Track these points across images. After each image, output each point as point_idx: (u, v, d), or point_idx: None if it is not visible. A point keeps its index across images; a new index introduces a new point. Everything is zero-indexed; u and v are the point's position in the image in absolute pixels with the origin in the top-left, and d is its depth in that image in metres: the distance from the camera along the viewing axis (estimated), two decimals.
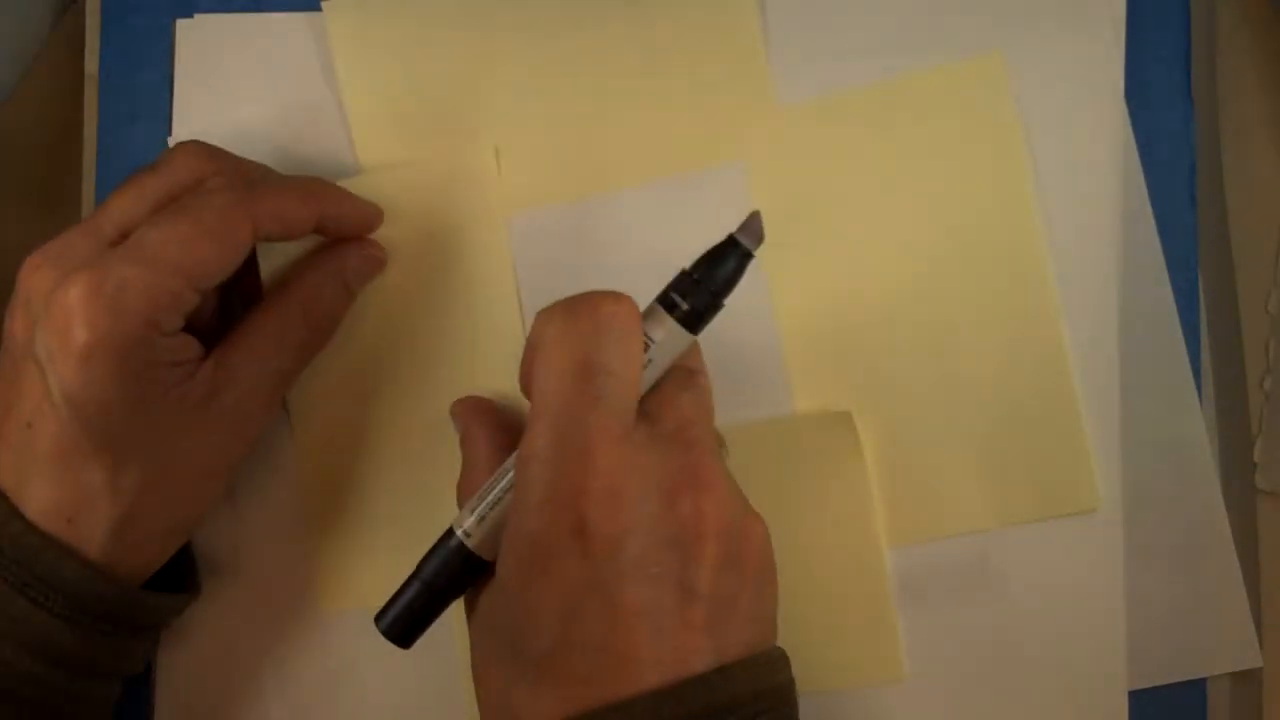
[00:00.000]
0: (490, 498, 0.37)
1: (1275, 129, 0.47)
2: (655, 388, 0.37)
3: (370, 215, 0.45)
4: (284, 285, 0.43)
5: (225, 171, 0.41)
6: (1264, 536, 0.45)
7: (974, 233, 0.45)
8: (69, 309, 0.38)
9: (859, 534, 0.44)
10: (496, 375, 0.45)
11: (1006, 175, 0.45)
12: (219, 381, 0.41)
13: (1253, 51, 0.48)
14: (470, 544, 0.37)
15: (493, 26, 0.46)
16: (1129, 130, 0.45)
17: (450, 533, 0.38)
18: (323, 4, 0.46)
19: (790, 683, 0.37)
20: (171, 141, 0.47)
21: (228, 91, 0.47)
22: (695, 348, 0.38)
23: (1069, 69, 0.45)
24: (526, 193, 0.46)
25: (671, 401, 0.37)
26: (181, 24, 0.47)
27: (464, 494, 0.40)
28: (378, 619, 0.38)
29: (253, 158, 0.46)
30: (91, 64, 0.48)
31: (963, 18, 0.45)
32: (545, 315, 0.37)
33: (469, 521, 0.37)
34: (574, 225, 0.46)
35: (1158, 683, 0.45)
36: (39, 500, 0.39)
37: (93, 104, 0.47)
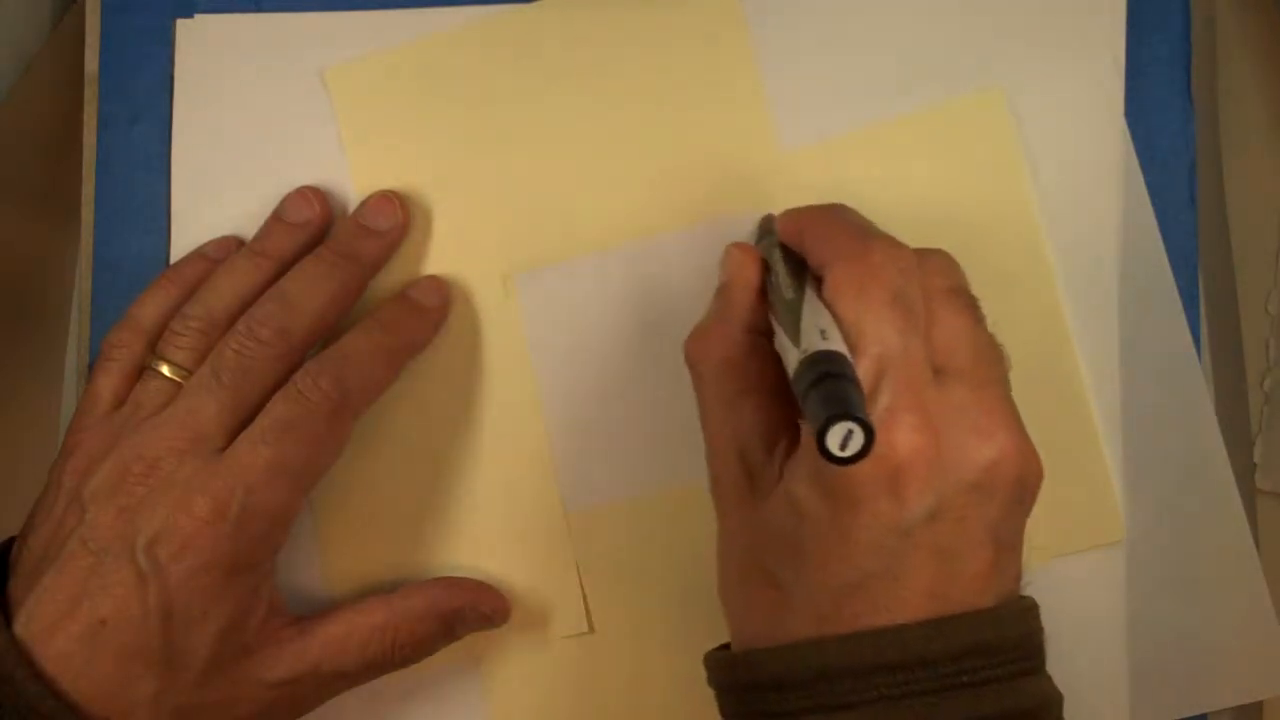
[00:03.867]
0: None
1: (1275, 129, 0.47)
2: (936, 320, 0.36)
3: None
4: (379, 606, 0.43)
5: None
6: (1264, 536, 0.45)
7: (984, 268, 0.44)
8: (191, 534, 0.39)
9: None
10: (503, 416, 0.46)
11: (1012, 208, 0.45)
12: (295, 664, 0.42)
13: (1253, 51, 0.48)
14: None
15: (494, 85, 0.46)
16: (1132, 157, 0.45)
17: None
18: (324, 73, 0.46)
19: (1044, 635, 0.37)
20: (172, 141, 0.47)
21: (228, 91, 0.47)
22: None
23: (1069, 99, 0.45)
24: (532, 250, 0.46)
25: (959, 335, 0.36)
26: (181, 24, 0.47)
27: (715, 334, 0.39)
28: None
29: (250, 159, 0.46)
30: (91, 64, 0.47)
31: (961, 52, 0.46)
32: (827, 228, 0.38)
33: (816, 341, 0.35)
34: (582, 280, 0.46)
35: (1193, 712, 0.45)
36: (85, 695, 0.39)
37: (93, 104, 0.47)
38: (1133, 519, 0.45)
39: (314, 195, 0.45)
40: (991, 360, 0.37)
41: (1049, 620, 0.44)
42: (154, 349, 0.43)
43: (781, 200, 0.45)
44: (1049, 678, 0.36)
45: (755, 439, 0.37)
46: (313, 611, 0.43)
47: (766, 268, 0.40)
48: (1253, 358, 0.46)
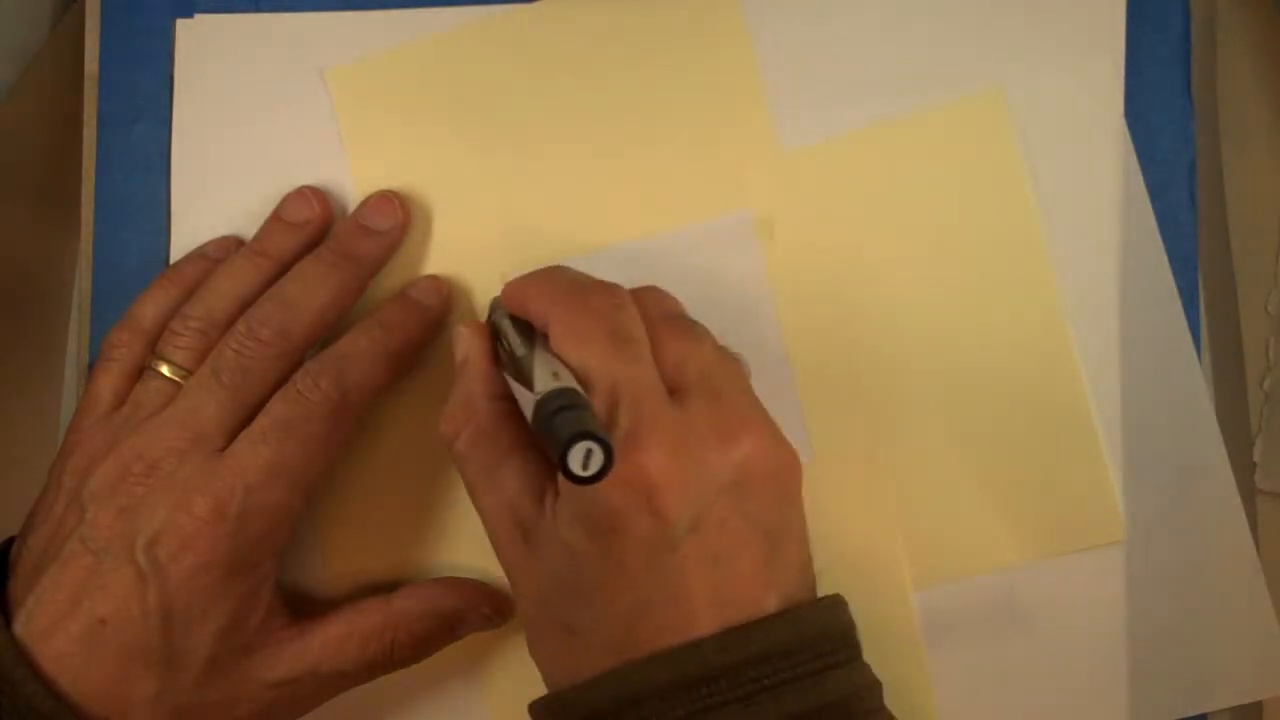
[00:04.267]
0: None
1: (1275, 129, 0.47)
2: (660, 346, 0.38)
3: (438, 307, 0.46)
4: (379, 606, 0.43)
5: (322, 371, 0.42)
6: (1264, 536, 0.45)
7: (984, 269, 0.45)
8: (191, 534, 0.39)
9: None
10: None
11: (1013, 210, 0.45)
12: (295, 664, 0.42)
13: (1253, 51, 0.48)
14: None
15: (494, 84, 0.46)
16: (1132, 157, 0.45)
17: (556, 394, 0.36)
18: (324, 73, 0.46)
19: (853, 625, 0.37)
20: (172, 141, 0.47)
21: (228, 91, 0.47)
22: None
23: (1069, 99, 0.45)
24: (530, 250, 0.46)
25: (685, 354, 0.38)
26: (181, 24, 0.47)
27: (459, 410, 0.40)
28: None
29: (250, 158, 0.46)
30: (91, 64, 0.47)
31: (962, 53, 0.46)
32: (544, 288, 0.39)
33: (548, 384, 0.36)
34: None
35: (1194, 712, 0.45)
36: (85, 695, 0.39)
37: (93, 104, 0.47)
38: (1133, 519, 0.45)
39: (314, 195, 0.45)
40: (721, 371, 0.38)
41: (1050, 620, 0.44)
42: (154, 349, 0.43)
43: (781, 200, 0.46)
44: (864, 666, 0.37)
45: (523, 497, 0.38)
46: (313, 612, 0.43)
47: (497, 337, 0.41)
48: (1253, 358, 0.46)
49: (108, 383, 0.43)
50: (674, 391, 0.37)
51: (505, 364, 0.40)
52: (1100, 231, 0.45)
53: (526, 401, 0.36)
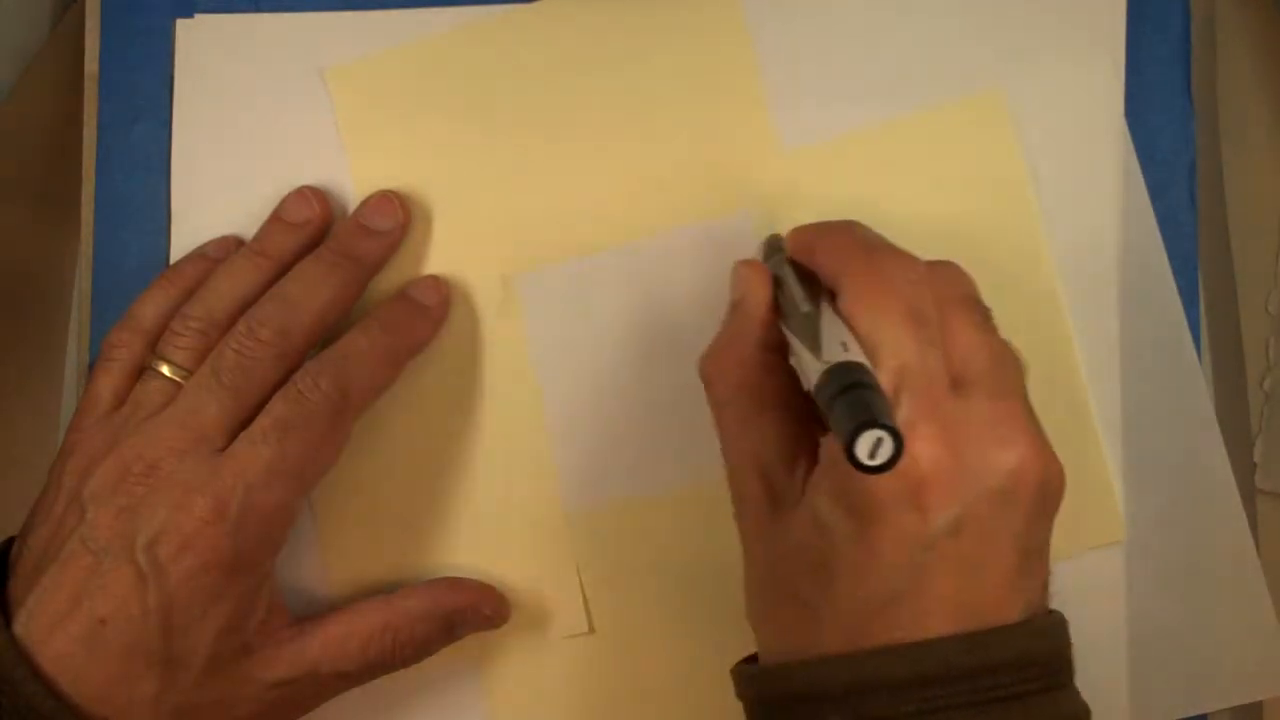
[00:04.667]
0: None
1: (1275, 129, 0.47)
2: (950, 330, 0.36)
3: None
4: (379, 607, 0.43)
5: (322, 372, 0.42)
6: (1264, 536, 0.45)
7: (984, 269, 0.45)
8: (191, 533, 0.39)
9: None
10: (504, 416, 0.46)
11: (1013, 210, 0.45)
12: (295, 665, 0.42)
13: (1253, 51, 0.48)
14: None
15: (494, 84, 0.46)
16: (1132, 157, 0.45)
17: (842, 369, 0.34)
18: (324, 73, 0.46)
19: (1072, 648, 0.36)
20: (172, 141, 0.47)
21: (228, 91, 0.47)
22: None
23: (1069, 99, 0.45)
24: (531, 250, 0.46)
25: (975, 344, 0.36)
26: (181, 24, 0.47)
27: (728, 354, 0.39)
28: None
29: (250, 158, 0.46)
30: (91, 64, 0.47)
31: (962, 53, 0.46)
32: (838, 243, 0.38)
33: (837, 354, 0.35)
34: (583, 281, 0.46)
35: (1194, 712, 0.45)
36: (84, 695, 0.39)
37: (93, 104, 0.47)
38: (1133, 519, 0.45)
39: (314, 195, 0.45)
40: (1008, 368, 0.37)
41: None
42: (154, 349, 0.43)
43: (782, 200, 0.46)
44: (1077, 691, 0.36)
45: (775, 457, 0.37)
46: (313, 612, 0.43)
47: (777, 285, 0.39)
48: (1253, 358, 0.46)
49: (108, 383, 0.43)
50: (957, 381, 0.36)
51: (785, 316, 0.38)
52: (1100, 231, 0.45)
53: (809, 365, 0.35)
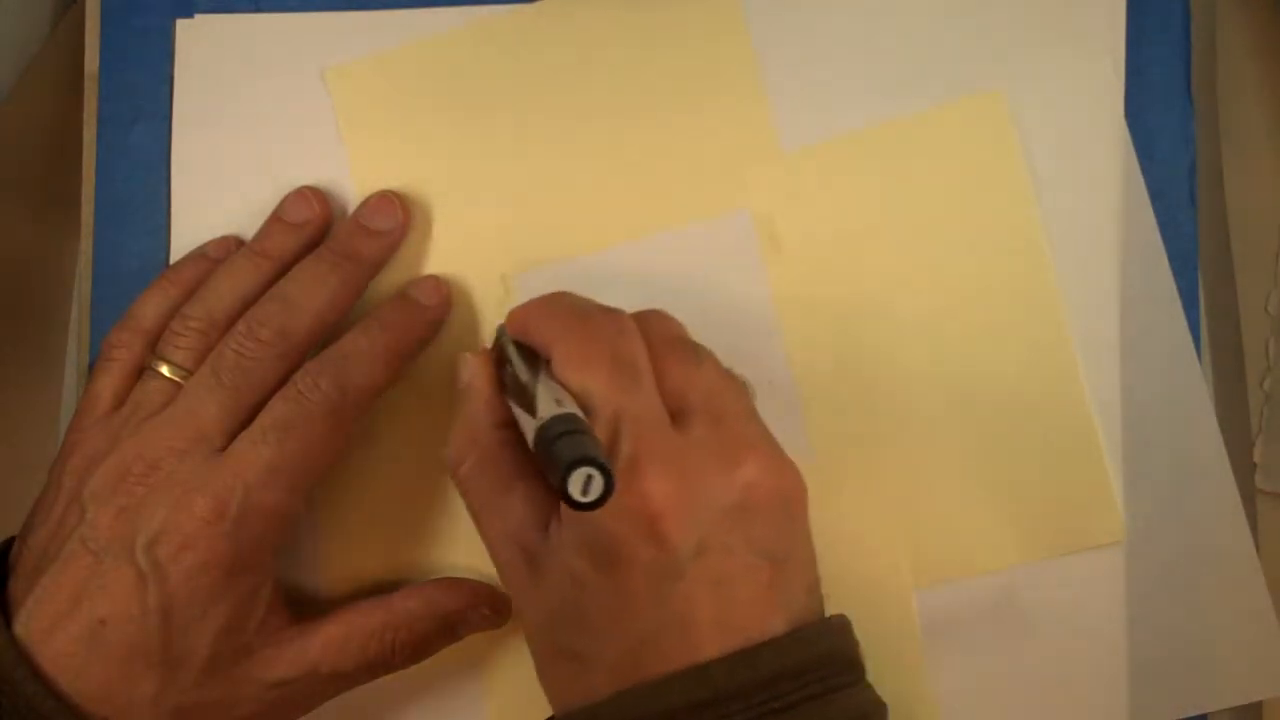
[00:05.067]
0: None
1: (1275, 129, 0.47)
2: (663, 371, 0.38)
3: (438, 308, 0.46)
4: (379, 607, 0.43)
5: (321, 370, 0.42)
6: (1264, 536, 0.45)
7: (984, 268, 0.45)
8: (191, 533, 0.39)
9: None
10: None
11: (1013, 210, 0.45)
12: (295, 665, 0.42)
13: (1253, 51, 0.48)
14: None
15: (494, 85, 0.46)
16: (1132, 157, 0.45)
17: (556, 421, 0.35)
18: (325, 73, 0.46)
19: (858, 645, 0.37)
20: (172, 141, 0.47)
21: (228, 91, 0.47)
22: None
23: (1069, 99, 0.45)
24: (531, 250, 0.46)
25: (687, 378, 0.38)
26: (181, 24, 0.47)
27: (463, 437, 0.40)
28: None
29: (250, 158, 0.46)
30: (91, 64, 0.47)
31: (962, 53, 0.46)
32: (547, 315, 0.38)
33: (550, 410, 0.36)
34: (582, 281, 0.46)
35: (1194, 712, 0.45)
36: (84, 695, 0.39)
37: (92, 104, 0.47)
38: (1133, 519, 0.45)
39: (314, 195, 0.45)
40: (724, 394, 0.38)
41: (1050, 620, 0.44)
42: (154, 349, 0.43)
43: (781, 200, 0.46)
44: (868, 688, 0.37)
45: (527, 525, 0.38)
46: (313, 612, 0.43)
47: (502, 364, 0.41)
48: (1253, 358, 0.46)
49: (108, 383, 0.43)
50: (676, 416, 0.37)
51: (510, 390, 0.40)
52: (1100, 231, 0.45)
53: (529, 427, 0.36)
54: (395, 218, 0.45)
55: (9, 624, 0.39)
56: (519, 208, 0.46)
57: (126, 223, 0.47)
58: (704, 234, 0.46)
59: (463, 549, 0.46)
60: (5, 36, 0.47)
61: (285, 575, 0.44)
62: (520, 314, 0.41)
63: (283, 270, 0.44)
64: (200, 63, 0.47)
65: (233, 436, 0.41)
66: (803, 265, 0.45)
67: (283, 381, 0.42)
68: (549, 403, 0.36)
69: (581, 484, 0.32)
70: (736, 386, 0.39)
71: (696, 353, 0.39)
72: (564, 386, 0.37)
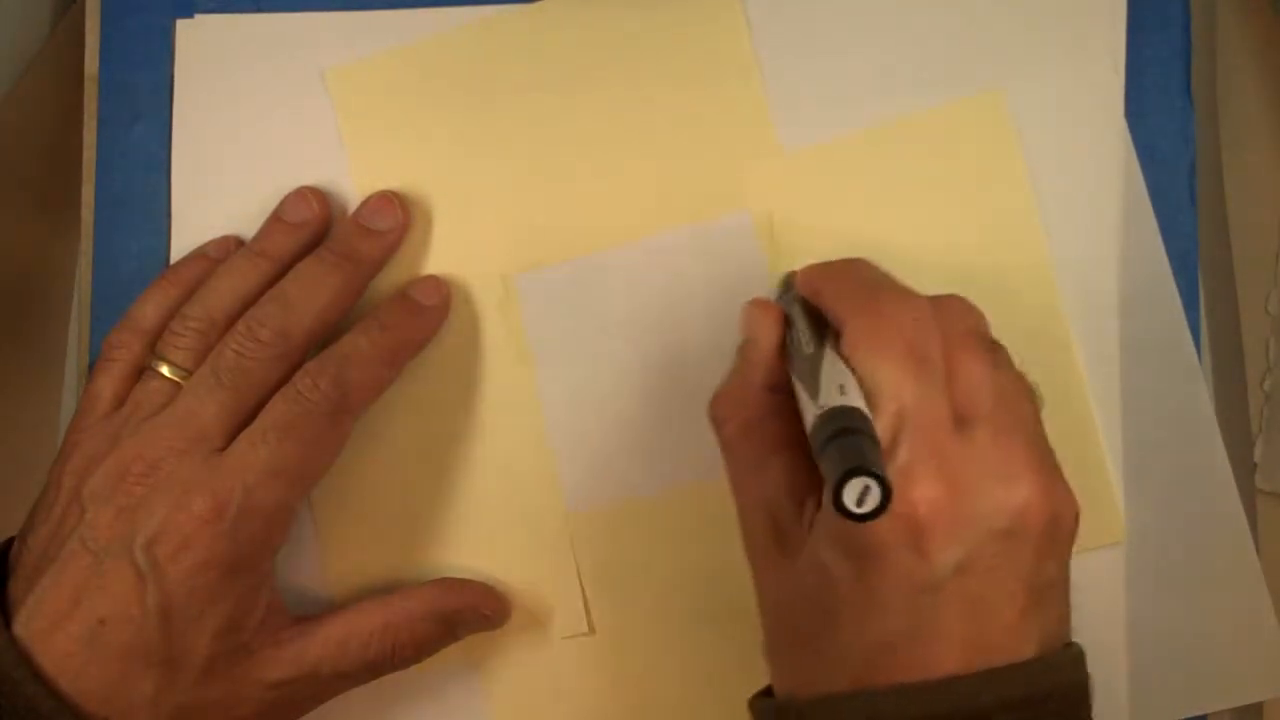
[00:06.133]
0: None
1: (1275, 129, 0.47)
2: (955, 368, 0.35)
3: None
4: (379, 607, 0.43)
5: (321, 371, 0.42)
6: (1264, 536, 0.45)
7: (984, 269, 0.45)
8: (190, 533, 0.39)
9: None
10: (503, 416, 0.46)
11: (1013, 209, 0.45)
12: (295, 665, 0.42)
13: (1253, 51, 0.48)
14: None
15: (494, 85, 0.46)
16: (1133, 157, 0.45)
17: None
18: (325, 73, 0.46)
19: (1089, 678, 0.36)
20: (172, 141, 0.47)
21: (228, 91, 0.47)
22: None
23: (1070, 99, 0.45)
24: (531, 250, 0.46)
25: (980, 380, 0.36)
26: (181, 24, 0.47)
27: (733, 396, 0.39)
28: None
29: (250, 158, 0.46)
30: (91, 64, 0.47)
31: (962, 54, 0.46)
32: (843, 281, 0.37)
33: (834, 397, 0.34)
34: (583, 281, 0.46)
35: (1194, 712, 0.45)
36: (84, 695, 0.39)
37: (92, 104, 0.47)
38: (1133, 519, 0.45)
39: (314, 195, 0.45)
40: (1015, 403, 0.36)
41: None
42: (154, 349, 0.43)
43: (782, 201, 0.46)
44: None
45: (783, 498, 0.37)
46: (313, 612, 0.43)
47: (788, 324, 0.39)
48: (1253, 358, 0.46)
49: (108, 383, 0.43)
50: (961, 419, 0.35)
51: (791, 355, 0.38)
52: (1100, 231, 0.45)
53: (807, 407, 0.35)
54: (395, 218, 0.45)
55: (9, 624, 0.39)
56: (519, 208, 0.46)
57: (126, 223, 0.47)
58: (704, 234, 0.46)
59: (463, 549, 0.46)
60: (5, 36, 0.47)
61: (285, 575, 0.44)
62: (815, 275, 0.39)
63: (282, 270, 0.44)
64: (200, 63, 0.47)
65: (232, 436, 0.41)
66: (802, 265, 0.45)
67: (282, 382, 0.42)
68: (832, 389, 0.34)
69: (857, 494, 0.31)
70: (1028, 396, 0.37)
71: (994, 352, 0.37)
72: (850, 367, 0.35)
